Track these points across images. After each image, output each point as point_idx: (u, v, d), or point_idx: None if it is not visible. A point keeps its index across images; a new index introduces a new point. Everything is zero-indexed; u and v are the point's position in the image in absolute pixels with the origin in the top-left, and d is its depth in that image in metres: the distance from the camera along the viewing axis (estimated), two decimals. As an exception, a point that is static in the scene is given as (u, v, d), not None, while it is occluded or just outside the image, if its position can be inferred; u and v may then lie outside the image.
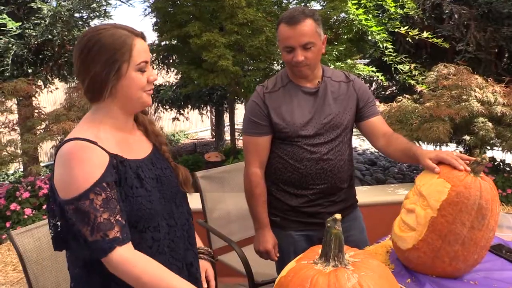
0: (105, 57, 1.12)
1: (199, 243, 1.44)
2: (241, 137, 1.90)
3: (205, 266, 1.42)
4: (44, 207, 3.54)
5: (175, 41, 4.97)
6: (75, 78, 5.10)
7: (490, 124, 3.41)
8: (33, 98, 4.30)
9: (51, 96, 6.39)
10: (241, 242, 2.50)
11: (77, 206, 1.06)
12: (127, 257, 1.09)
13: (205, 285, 1.39)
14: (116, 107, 1.18)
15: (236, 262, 2.29)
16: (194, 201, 2.80)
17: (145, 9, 5.39)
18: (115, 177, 1.12)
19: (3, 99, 3.35)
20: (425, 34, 4.59)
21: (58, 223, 1.13)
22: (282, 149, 1.77)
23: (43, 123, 3.81)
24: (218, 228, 2.52)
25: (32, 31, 4.13)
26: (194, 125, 10.38)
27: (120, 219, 1.10)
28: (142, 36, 1.20)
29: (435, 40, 4.58)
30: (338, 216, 1.01)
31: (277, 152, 1.79)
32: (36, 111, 3.92)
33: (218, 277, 2.59)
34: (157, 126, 1.37)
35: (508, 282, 1.36)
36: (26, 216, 3.42)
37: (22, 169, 5.54)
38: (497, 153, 4.18)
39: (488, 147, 3.86)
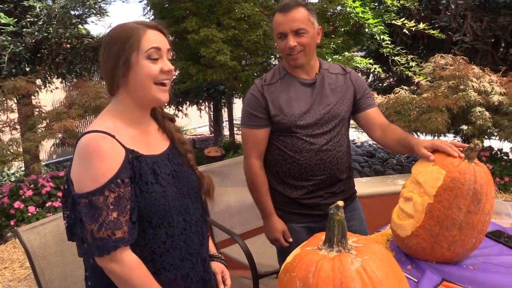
0: (116, 50, 1.14)
1: (213, 249, 1.44)
2: (240, 132, 1.92)
3: (221, 267, 1.42)
4: (48, 204, 3.57)
5: (173, 38, 4.97)
6: (73, 77, 5.10)
7: (487, 113, 3.45)
8: (33, 97, 4.30)
9: (50, 96, 6.39)
10: (243, 235, 2.52)
11: (91, 201, 1.06)
12: (127, 259, 1.10)
13: (221, 285, 1.39)
14: (129, 99, 1.18)
15: (239, 255, 2.31)
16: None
17: (144, 8, 5.40)
18: (130, 173, 1.12)
19: (4, 98, 3.36)
20: (421, 26, 4.61)
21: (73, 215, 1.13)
22: (282, 141, 1.78)
23: (44, 121, 3.82)
24: (220, 222, 2.53)
25: (28, 29, 4.12)
26: (193, 121, 10.37)
27: (128, 219, 1.10)
28: (157, 28, 1.19)
29: (431, 31, 4.59)
30: (340, 203, 1.03)
31: (276, 145, 1.80)
32: (37, 110, 3.93)
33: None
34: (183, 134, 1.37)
35: (506, 265, 1.39)
36: (30, 214, 3.45)
37: (23, 168, 5.56)
38: (495, 142, 4.22)
39: (486, 136, 3.89)
